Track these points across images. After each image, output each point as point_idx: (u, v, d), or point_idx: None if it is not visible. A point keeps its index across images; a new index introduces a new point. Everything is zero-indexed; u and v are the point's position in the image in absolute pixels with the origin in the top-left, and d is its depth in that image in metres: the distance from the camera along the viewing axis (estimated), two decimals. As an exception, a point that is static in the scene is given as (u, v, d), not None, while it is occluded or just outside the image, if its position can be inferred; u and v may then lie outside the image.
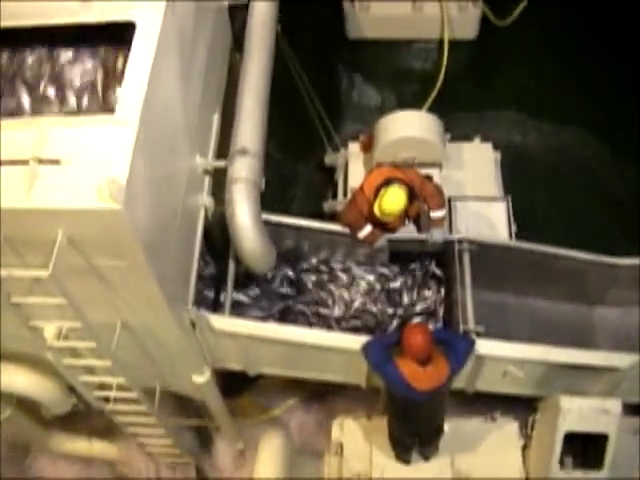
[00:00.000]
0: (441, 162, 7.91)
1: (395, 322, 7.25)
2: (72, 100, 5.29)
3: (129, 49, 4.88)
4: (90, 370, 6.06)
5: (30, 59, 5.46)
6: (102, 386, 6.31)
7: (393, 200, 6.55)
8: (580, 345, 6.61)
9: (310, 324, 7.19)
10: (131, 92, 4.63)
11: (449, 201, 7.37)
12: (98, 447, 8.62)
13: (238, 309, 7.11)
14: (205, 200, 6.48)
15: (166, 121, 5.29)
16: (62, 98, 5.31)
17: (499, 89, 10.48)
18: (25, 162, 4.35)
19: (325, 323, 7.23)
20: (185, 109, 5.76)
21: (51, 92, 5.35)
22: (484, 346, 6.32)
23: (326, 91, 9.62)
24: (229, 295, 6.81)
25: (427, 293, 7.31)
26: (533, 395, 6.90)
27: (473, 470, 7.02)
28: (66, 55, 5.47)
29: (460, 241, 6.95)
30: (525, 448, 7.09)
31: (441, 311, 7.30)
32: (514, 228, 7.56)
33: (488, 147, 8.48)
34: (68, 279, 4.71)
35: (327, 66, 10.75)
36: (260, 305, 7.28)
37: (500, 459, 7.08)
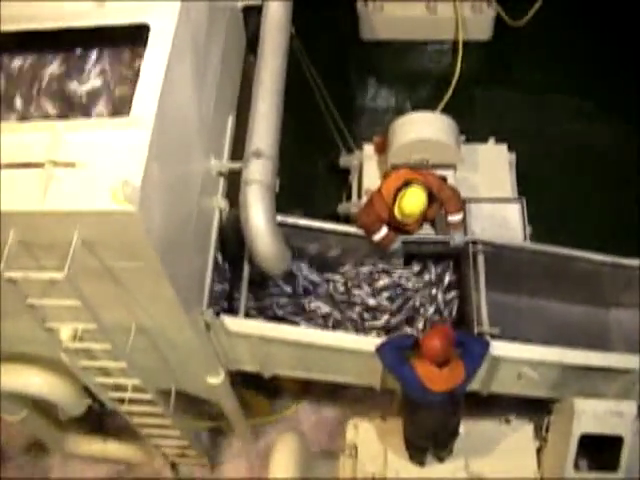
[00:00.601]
0: (456, 164, 7.90)
1: (408, 324, 7.23)
2: (86, 103, 5.31)
3: (143, 51, 4.90)
4: (105, 371, 6.07)
5: (44, 62, 5.48)
6: (117, 387, 6.32)
7: (413, 201, 6.54)
8: (594, 347, 6.59)
9: (325, 326, 7.18)
10: (145, 95, 4.65)
11: (463, 203, 7.34)
12: (113, 448, 8.63)
13: (253, 311, 7.12)
14: (219, 202, 6.50)
15: (180, 123, 5.30)
16: (76, 101, 5.33)
17: (514, 90, 10.45)
18: (40, 165, 4.38)
19: (339, 324, 7.22)
20: (199, 111, 5.78)
21: (65, 95, 5.38)
22: (499, 348, 6.31)
23: (340, 92, 9.61)
24: (243, 297, 6.81)
25: (440, 296, 7.28)
26: (548, 397, 6.88)
27: (487, 472, 7.00)
28: (80, 58, 5.49)
29: (475, 243, 6.93)
30: (540, 450, 7.07)
31: (454, 313, 7.28)
32: (529, 230, 7.54)
33: (503, 149, 8.45)
34: (83, 281, 4.73)
35: (341, 67, 10.73)
36: (275, 307, 7.28)
37: (515, 461, 7.05)
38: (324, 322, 7.24)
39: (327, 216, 7.82)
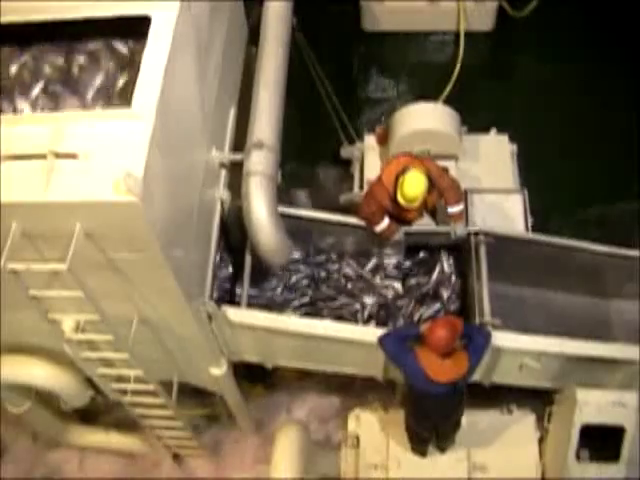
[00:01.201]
0: (457, 154, 7.90)
1: (410, 314, 7.24)
2: (88, 95, 5.32)
3: (145, 43, 4.90)
4: (108, 363, 6.09)
5: (46, 54, 5.49)
6: (120, 378, 6.34)
7: (414, 183, 6.47)
8: (597, 338, 6.59)
9: (327, 317, 7.19)
10: (147, 86, 4.66)
11: (465, 193, 7.33)
12: (115, 439, 8.66)
13: (255, 302, 7.13)
14: (221, 193, 6.51)
15: (182, 114, 5.30)
16: (78, 93, 5.34)
17: (516, 81, 10.45)
18: (43, 156, 4.39)
19: (341, 315, 7.23)
20: (201, 102, 5.78)
21: (67, 87, 5.38)
22: (501, 338, 6.31)
23: (342, 84, 9.62)
24: (245, 288, 6.82)
25: (442, 287, 7.30)
26: (550, 387, 6.89)
27: (489, 462, 7.02)
28: (82, 50, 5.50)
29: (476, 234, 6.93)
30: (541, 441, 7.08)
31: (454, 303, 7.29)
32: (530, 221, 7.53)
33: (504, 139, 8.44)
34: (85, 272, 4.74)
35: (343, 58, 10.71)
36: (276, 298, 7.28)
37: (516, 452, 7.07)
38: (322, 313, 7.26)
39: (329, 207, 7.81)
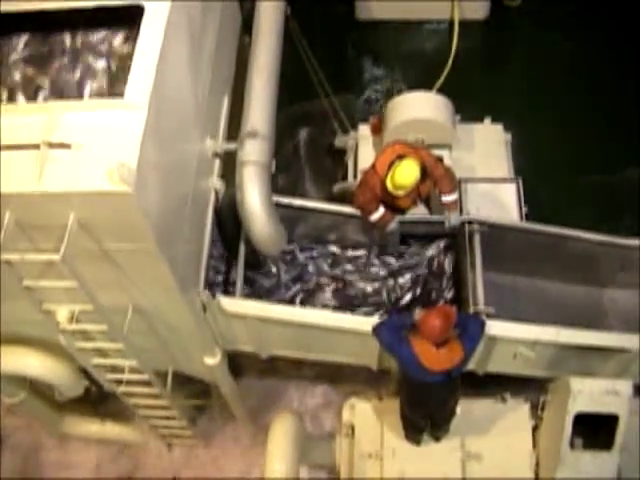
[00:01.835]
0: (451, 144, 7.91)
1: (404, 302, 7.25)
2: (81, 85, 5.30)
3: (137, 32, 4.88)
4: (102, 353, 6.10)
5: (39, 44, 5.47)
6: (114, 369, 6.35)
7: (406, 173, 6.45)
8: (591, 326, 6.60)
9: (321, 306, 7.19)
10: (140, 75, 4.65)
11: (459, 183, 7.33)
12: (110, 429, 8.67)
13: (249, 291, 7.13)
14: (215, 183, 6.49)
15: (176, 104, 5.29)
16: (71, 83, 5.32)
17: (510, 69, 10.46)
18: (36, 146, 4.38)
19: (336, 305, 7.23)
20: (195, 92, 5.76)
21: (60, 77, 5.36)
22: (495, 327, 6.32)
23: (336, 73, 9.59)
24: (240, 277, 6.81)
25: (436, 276, 7.31)
26: (544, 376, 6.91)
27: (483, 451, 7.05)
28: (74, 39, 5.47)
29: (470, 222, 6.92)
30: (535, 429, 7.11)
31: (449, 292, 7.30)
32: (525, 210, 7.54)
33: (498, 128, 8.46)
34: (80, 263, 4.74)
35: (337, 47, 10.70)
36: (272, 288, 7.29)
37: (510, 440, 7.10)
38: (317, 302, 7.27)
39: (323, 196, 7.81)
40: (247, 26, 7.08)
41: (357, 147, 8.52)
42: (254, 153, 6.06)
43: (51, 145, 4.38)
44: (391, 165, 6.54)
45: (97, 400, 8.43)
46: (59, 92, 5.25)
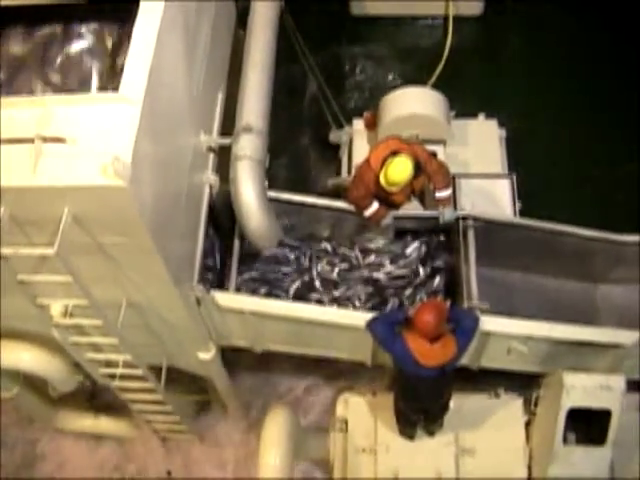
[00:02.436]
0: (445, 139, 7.90)
1: (399, 297, 7.26)
2: (76, 78, 5.29)
3: (133, 26, 4.87)
4: (96, 347, 6.09)
5: (33, 37, 5.46)
6: (108, 363, 6.34)
7: (400, 169, 6.44)
8: (584, 322, 6.63)
9: (316, 301, 7.19)
10: (135, 69, 4.64)
11: (453, 178, 7.34)
12: (104, 424, 8.67)
13: (244, 286, 7.13)
14: (210, 178, 6.48)
15: (171, 98, 5.28)
16: (66, 76, 5.31)
17: (505, 65, 10.43)
18: (30, 140, 4.36)
19: (330, 300, 7.23)
20: (189, 86, 5.76)
21: (54, 70, 5.36)
22: (489, 322, 6.33)
23: (330, 68, 9.61)
24: (234, 272, 6.82)
25: (430, 271, 7.31)
26: (537, 371, 6.92)
27: (477, 446, 7.07)
28: (69, 33, 5.47)
29: (465, 218, 6.93)
30: (529, 424, 7.12)
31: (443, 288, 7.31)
32: (519, 205, 7.55)
33: (493, 124, 8.45)
34: (74, 257, 4.73)
35: (331, 43, 10.67)
36: (266, 283, 7.29)
37: (504, 435, 7.12)
38: (311, 298, 7.27)
39: (317, 191, 7.81)
40: (242, 20, 7.07)
41: (351, 142, 8.51)
42: (249, 148, 6.07)
43: (45, 139, 4.36)
44: (385, 161, 6.54)
45: (91, 395, 8.45)
46: (54, 86, 5.25)
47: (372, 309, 6.98)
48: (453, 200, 7.15)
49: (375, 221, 7.02)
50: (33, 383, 7.60)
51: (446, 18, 10.35)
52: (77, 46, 5.45)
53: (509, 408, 7.23)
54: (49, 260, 4.61)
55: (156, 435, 8.56)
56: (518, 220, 7.28)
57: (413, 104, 7.79)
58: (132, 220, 4.61)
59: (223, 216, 6.77)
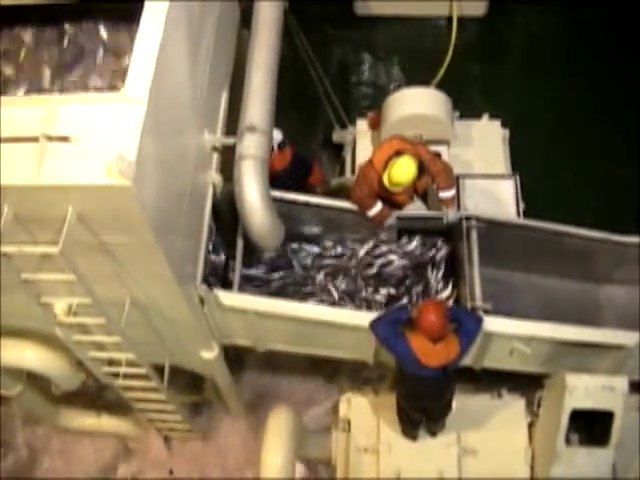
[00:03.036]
0: (449, 140, 7.90)
1: (403, 297, 7.25)
2: (81, 77, 5.30)
3: (137, 25, 4.88)
4: (99, 346, 6.09)
5: (39, 37, 5.47)
6: (111, 362, 6.35)
7: (403, 170, 6.46)
8: (587, 323, 6.62)
9: (319, 301, 7.20)
10: (140, 69, 4.64)
11: (457, 179, 7.33)
12: (107, 423, 8.68)
13: (247, 286, 7.13)
14: (213, 177, 6.49)
15: (175, 97, 5.29)
16: (71, 75, 5.32)
17: (508, 66, 10.45)
18: (35, 139, 4.37)
19: (333, 300, 7.24)
20: (194, 85, 5.76)
21: (59, 69, 5.36)
22: (492, 323, 6.33)
23: (334, 68, 9.62)
24: (237, 271, 6.82)
25: (433, 271, 7.31)
26: (540, 372, 6.92)
27: (479, 446, 7.07)
28: (74, 32, 5.48)
29: (468, 219, 6.93)
30: (531, 425, 7.12)
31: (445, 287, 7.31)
32: (522, 206, 7.55)
33: (496, 125, 8.44)
34: (78, 256, 4.73)
35: (335, 43, 10.71)
36: (269, 282, 7.29)
37: (506, 436, 7.12)
38: (314, 297, 7.27)
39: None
40: (246, 20, 7.08)
41: (355, 142, 8.52)
42: (253, 147, 6.07)
43: (50, 138, 4.37)
44: (388, 161, 6.55)
45: (94, 393, 8.45)
46: (59, 85, 5.26)
47: (375, 309, 6.99)
48: (457, 200, 7.15)
49: (379, 221, 7.03)
50: (36, 381, 7.61)
51: (450, 18, 10.35)
52: (82, 45, 5.45)
53: (512, 409, 7.23)
54: (53, 259, 4.61)
55: (159, 434, 8.57)
56: (521, 221, 7.28)
57: (417, 104, 7.80)
58: (136, 219, 4.62)
59: (226, 216, 6.77)
